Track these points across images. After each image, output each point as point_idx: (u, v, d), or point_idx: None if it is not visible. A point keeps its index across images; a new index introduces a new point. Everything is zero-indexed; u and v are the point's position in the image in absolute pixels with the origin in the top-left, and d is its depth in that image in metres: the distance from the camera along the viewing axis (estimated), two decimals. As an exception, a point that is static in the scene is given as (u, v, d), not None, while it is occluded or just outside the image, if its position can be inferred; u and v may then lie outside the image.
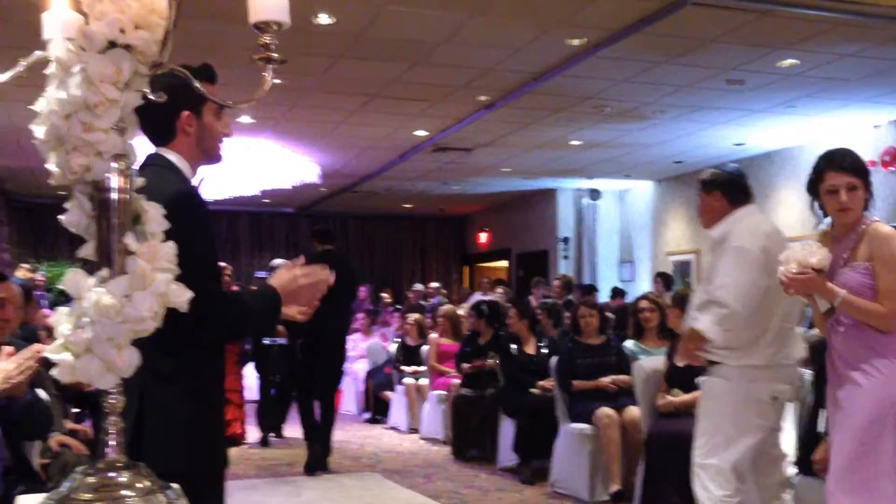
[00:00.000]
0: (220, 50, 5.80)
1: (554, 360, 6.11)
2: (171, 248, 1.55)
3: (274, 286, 2.15)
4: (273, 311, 2.17)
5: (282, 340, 7.74)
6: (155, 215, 1.57)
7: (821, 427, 4.00)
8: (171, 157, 2.15)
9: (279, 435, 8.19)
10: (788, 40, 6.21)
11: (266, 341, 8.09)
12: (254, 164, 9.76)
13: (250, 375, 9.16)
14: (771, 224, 3.72)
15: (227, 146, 2.30)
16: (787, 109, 8.20)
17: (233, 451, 6.96)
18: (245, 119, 8.40)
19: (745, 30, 5.97)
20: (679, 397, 4.80)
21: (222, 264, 7.80)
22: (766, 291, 3.44)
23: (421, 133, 9.27)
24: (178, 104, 2.08)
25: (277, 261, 8.09)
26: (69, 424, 4.26)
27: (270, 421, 8.12)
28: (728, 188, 3.64)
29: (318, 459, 6.60)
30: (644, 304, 6.01)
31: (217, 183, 9.73)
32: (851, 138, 9.05)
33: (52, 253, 13.60)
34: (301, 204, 14.67)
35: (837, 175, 3.03)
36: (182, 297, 1.53)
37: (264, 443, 7.90)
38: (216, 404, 2.24)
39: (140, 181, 1.58)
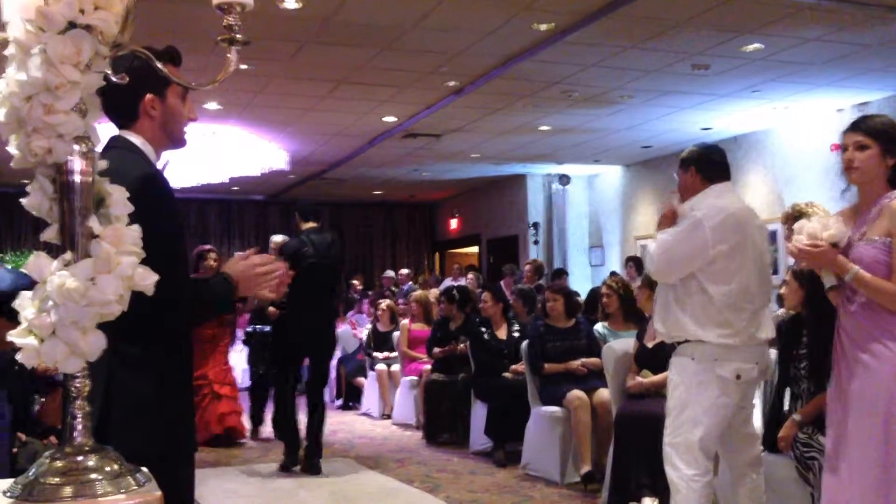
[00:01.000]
0: (188, 34, 5.73)
1: (525, 344, 6.16)
2: (135, 231, 1.54)
3: (230, 274, 2.15)
4: (227, 299, 2.18)
5: (267, 328, 7.36)
6: (119, 198, 1.56)
7: (786, 405, 4.06)
8: (135, 139, 2.13)
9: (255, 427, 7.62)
10: (753, 25, 6.27)
11: (250, 328, 7.78)
12: (221, 151, 9.66)
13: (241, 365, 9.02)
14: (739, 202, 3.71)
15: (194, 133, 2.29)
16: (752, 94, 8.28)
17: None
18: (212, 105, 8.32)
19: (710, 14, 6.01)
20: (648, 378, 4.85)
21: (207, 247, 7.32)
22: (736, 268, 3.46)
23: (390, 119, 9.24)
24: (141, 86, 2.06)
25: (277, 237, 7.65)
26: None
27: (253, 411, 7.64)
28: (702, 164, 3.66)
29: (308, 461, 5.99)
30: (603, 289, 6.10)
31: (185, 170, 9.62)
32: (816, 122, 9.19)
33: (18, 242, 13.41)
34: (270, 191, 14.58)
35: (848, 134, 2.95)
36: (147, 280, 1.53)
37: (252, 434, 7.51)
38: (183, 387, 2.24)
39: (103, 163, 1.57)
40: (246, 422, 7.49)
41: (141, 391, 2.06)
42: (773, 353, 4.12)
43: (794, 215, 4.12)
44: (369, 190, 14.80)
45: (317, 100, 8.33)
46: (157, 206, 1.95)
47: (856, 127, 2.95)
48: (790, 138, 9.61)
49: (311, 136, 10.03)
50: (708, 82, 7.83)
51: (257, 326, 7.64)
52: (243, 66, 6.61)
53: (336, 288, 6.61)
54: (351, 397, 9.58)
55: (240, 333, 8.34)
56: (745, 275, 3.49)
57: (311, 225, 6.16)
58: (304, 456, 6.05)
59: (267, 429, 7.38)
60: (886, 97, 8.38)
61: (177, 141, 2.24)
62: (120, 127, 2.15)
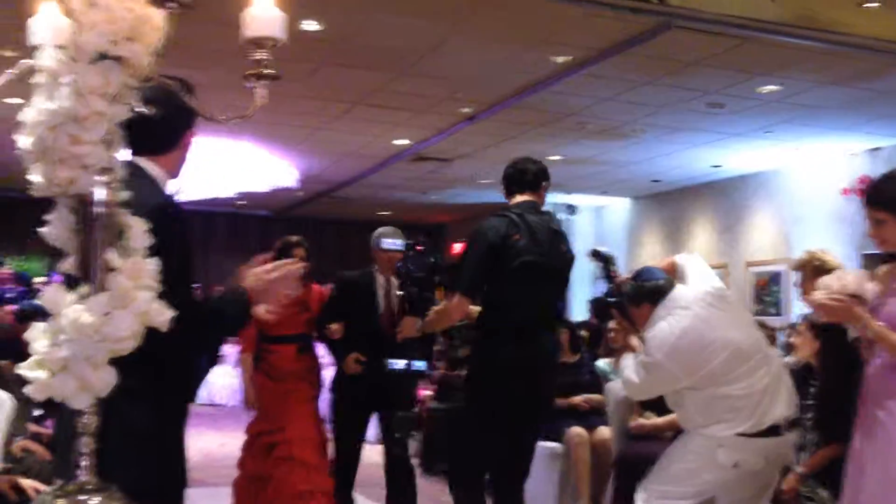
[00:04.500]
0: (202, 49, 5.74)
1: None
2: (153, 264, 1.52)
3: (243, 286, 2.10)
4: (244, 315, 2.13)
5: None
6: (138, 231, 1.54)
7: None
8: (151, 167, 2.10)
9: None
10: (769, 67, 6.27)
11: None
12: (232, 165, 9.68)
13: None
14: (698, 304, 3.44)
15: (208, 147, 2.29)
16: (765, 134, 8.28)
17: (197, 461, 6.75)
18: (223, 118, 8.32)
19: (728, 55, 6.02)
20: (651, 420, 4.80)
21: (295, 239, 5.10)
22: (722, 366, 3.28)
23: (401, 142, 9.24)
24: (187, 118, 2.06)
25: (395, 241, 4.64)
26: (32, 427, 4.17)
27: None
28: (654, 296, 3.45)
29: None
30: (612, 324, 6.02)
31: (194, 183, 9.63)
32: (827, 165, 9.17)
33: (20, 247, 13.38)
34: (277, 207, 14.58)
35: (866, 208, 2.89)
36: (162, 316, 1.50)
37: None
38: (181, 420, 2.19)
39: (124, 195, 1.54)
40: None
41: (139, 423, 2.00)
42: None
43: (807, 261, 4.08)
44: (375, 211, 14.80)
45: (331, 120, 8.33)
46: (173, 237, 1.93)
47: (869, 201, 2.89)
48: (800, 180, 9.60)
49: (322, 154, 10.03)
50: (721, 121, 7.84)
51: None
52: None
53: (562, 306, 4.40)
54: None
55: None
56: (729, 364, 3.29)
57: (523, 198, 3.76)
58: None
59: None
60: (898, 144, 8.39)
61: (180, 172, 2.25)
62: (143, 154, 2.13)
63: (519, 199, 3.76)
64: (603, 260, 3.83)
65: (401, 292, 4.03)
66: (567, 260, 3.78)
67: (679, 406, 3.42)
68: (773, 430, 3.28)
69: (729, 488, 3.35)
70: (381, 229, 4.90)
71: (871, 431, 2.81)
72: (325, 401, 5.26)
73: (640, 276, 3.58)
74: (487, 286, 3.58)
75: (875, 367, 2.86)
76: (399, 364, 4.04)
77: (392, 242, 4.28)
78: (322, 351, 5.41)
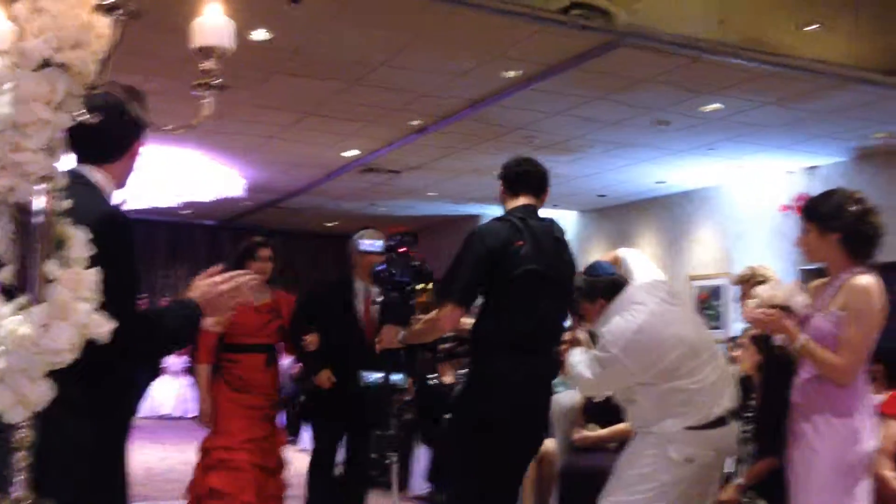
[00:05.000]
0: (149, 56, 5.66)
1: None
2: (94, 275, 1.48)
3: (193, 298, 2.08)
4: (192, 327, 2.10)
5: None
6: (79, 240, 1.50)
7: (729, 467, 4.08)
8: (97, 176, 2.06)
9: None
10: (713, 86, 6.42)
11: None
12: (176, 174, 9.52)
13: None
14: (651, 299, 3.42)
15: (152, 154, 2.27)
16: (708, 151, 8.46)
17: (138, 475, 6.56)
18: (170, 127, 8.19)
19: (674, 74, 6.14)
20: (595, 432, 4.84)
21: (259, 239, 4.81)
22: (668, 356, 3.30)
23: (351, 153, 9.21)
24: (138, 128, 2.03)
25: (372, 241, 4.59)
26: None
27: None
28: (608, 290, 3.42)
29: None
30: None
31: (136, 191, 9.45)
32: (767, 183, 9.40)
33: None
34: (223, 216, 14.39)
35: (801, 220, 3.07)
36: (103, 328, 1.47)
37: None
38: (122, 434, 2.14)
39: (66, 203, 1.51)
40: None
41: (78, 436, 1.95)
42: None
43: (749, 277, 4.18)
44: (323, 221, 14.71)
45: (280, 129, 8.27)
46: (119, 248, 1.89)
47: (803, 211, 3.06)
48: (741, 196, 9.82)
49: (270, 164, 9.93)
50: (667, 138, 7.98)
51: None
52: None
53: (564, 319, 3.60)
54: (293, 432, 9.39)
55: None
56: (681, 358, 3.30)
57: (524, 201, 3.41)
58: None
59: None
60: (835, 163, 8.63)
61: (127, 181, 2.22)
62: (89, 162, 2.09)
63: (521, 201, 3.40)
64: None
65: (380, 299, 3.58)
66: (571, 270, 3.44)
67: (631, 402, 3.40)
68: (719, 421, 3.31)
69: (685, 490, 3.32)
70: (361, 231, 4.71)
71: (800, 443, 2.90)
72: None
73: (593, 271, 3.51)
74: (485, 296, 3.26)
75: (801, 380, 2.95)
76: (373, 377, 3.86)
77: (371, 244, 4.05)
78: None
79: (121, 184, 2.13)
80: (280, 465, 4.80)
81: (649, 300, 3.32)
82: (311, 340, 4.55)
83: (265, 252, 4.72)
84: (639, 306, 3.26)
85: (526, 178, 3.44)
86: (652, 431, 3.29)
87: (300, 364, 5.13)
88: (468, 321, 3.38)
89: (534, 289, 3.20)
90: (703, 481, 3.43)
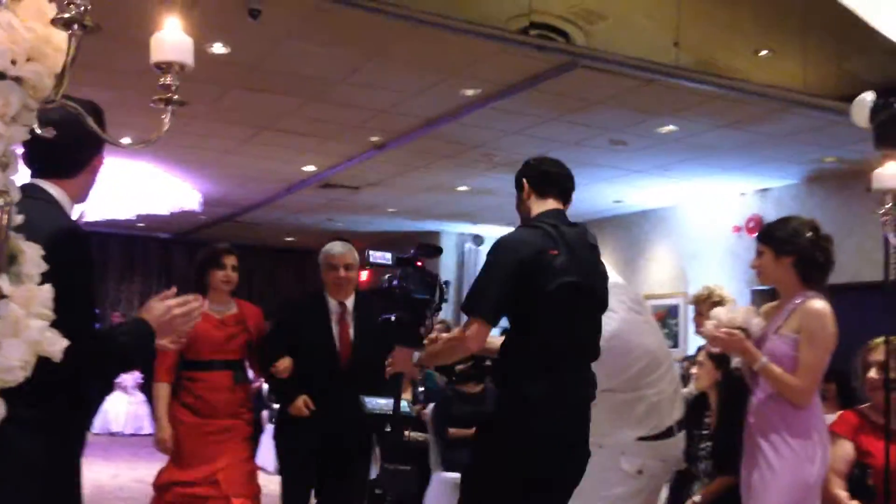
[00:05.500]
0: (104, 68, 5.58)
1: (430, 406, 6.10)
2: (47, 291, 1.46)
3: (147, 320, 2.07)
4: (145, 348, 2.10)
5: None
6: (32, 256, 1.47)
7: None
8: (53, 191, 2.04)
9: None
10: (668, 108, 6.53)
11: None
12: (131, 187, 9.38)
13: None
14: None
15: (105, 166, 2.26)
16: (663, 172, 8.59)
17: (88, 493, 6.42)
18: (124, 140, 8.09)
19: (630, 95, 6.24)
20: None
21: (223, 246, 4.49)
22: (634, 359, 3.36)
23: (309, 168, 9.17)
24: (95, 143, 2.01)
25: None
26: None
27: None
28: None
29: None
30: None
31: (91, 204, 9.28)
32: (720, 204, 9.57)
33: None
34: (177, 230, 14.21)
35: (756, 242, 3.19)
36: (56, 345, 1.45)
37: None
38: (75, 452, 2.11)
39: (19, 219, 1.48)
40: None
41: (31, 453, 1.92)
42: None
43: (705, 297, 4.25)
44: (281, 236, 14.60)
45: (237, 143, 8.20)
46: (75, 264, 1.86)
47: (758, 234, 3.19)
48: (696, 217, 9.99)
49: (227, 178, 9.85)
50: (624, 158, 8.09)
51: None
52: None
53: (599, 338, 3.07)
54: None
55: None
56: (644, 365, 3.35)
57: (553, 205, 3.07)
58: None
59: None
60: (786, 185, 8.82)
61: (87, 196, 2.22)
62: (45, 176, 2.06)
63: (550, 204, 3.02)
64: None
65: (389, 316, 3.10)
66: (606, 282, 3.04)
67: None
68: (668, 432, 3.36)
69: (639, 498, 3.34)
70: (332, 243, 4.33)
71: (756, 462, 2.95)
72: (266, 447, 4.56)
73: None
74: (514, 312, 2.86)
75: (759, 399, 3.01)
76: (379, 403, 3.47)
77: (382, 256, 3.43)
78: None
79: (80, 199, 2.13)
80: (253, 496, 4.19)
81: (619, 308, 3.28)
82: (284, 367, 3.96)
83: (230, 259, 4.30)
84: (611, 313, 3.14)
85: (555, 179, 3.08)
86: (602, 444, 3.22)
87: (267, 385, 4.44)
88: (496, 339, 2.98)
89: (571, 303, 2.82)
90: (654, 491, 3.48)
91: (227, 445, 4.08)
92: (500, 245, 2.92)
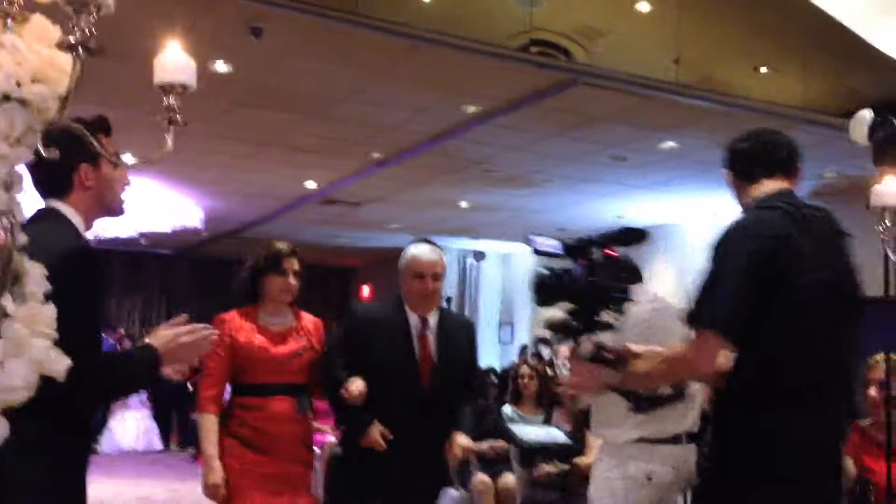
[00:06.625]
0: (106, 87, 5.61)
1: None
2: (51, 311, 1.47)
3: (154, 346, 2.07)
4: (149, 375, 2.10)
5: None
6: (36, 275, 1.48)
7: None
8: (65, 210, 2.05)
9: None
10: (669, 124, 6.56)
11: None
12: (134, 204, 9.38)
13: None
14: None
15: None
16: (665, 188, 8.61)
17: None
18: (127, 158, 8.11)
19: (631, 112, 6.27)
20: (558, 467, 4.85)
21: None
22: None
23: (311, 184, 9.20)
24: (74, 157, 1.99)
25: None
26: None
27: None
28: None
29: None
30: (524, 370, 6.09)
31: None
32: (720, 220, 9.57)
33: None
34: (180, 246, 14.23)
35: None
36: (59, 365, 1.45)
37: None
38: (81, 474, 2.11)
39: (23, 238, 1.49)
40: None
41: (34, 476, 1.92)
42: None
43: None
44: (283, 251, 14.62)
45: (240, 160, 8.24)
46: (80, 284, 1.87)
47: None
48: (697, 233, 9.98)
49: (229, 194, 9.88)
50: (624, 174, 8.11)
51: None
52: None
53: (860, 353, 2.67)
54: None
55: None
56: None
57: (776, 184, 2.33)
58: None
59: None
60: (787, 201, 8.82)
61: (115, 210, 2.17)
62: (50, 197, 2.07)
63: (770, 186, 2.30)
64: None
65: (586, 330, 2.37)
66: (858, 279, 2.30)
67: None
68: (676, 439, 3.25)
69: None
70: (414, 246, 3.40)
71: None
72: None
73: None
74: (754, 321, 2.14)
75: None
76: (536, 436, 2.85)
77: (544, 242, 2.50)
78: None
79: (91, 216, 2.11)
80: None
81: (652, 296, 3.36)
82: (359, 392, 3.13)
83: (292, 264, 3.49)
84: (646, 298, 3.01)
85: (770, 155, 2.34)
86: (610, 443, 3.22)
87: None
88: (728, 357, 2.25)
89: (825, 306, 2.14)
90: (665, 501, 3.42)
91: (287, 498, 3.25)
92: (732, 232, 2.22)
